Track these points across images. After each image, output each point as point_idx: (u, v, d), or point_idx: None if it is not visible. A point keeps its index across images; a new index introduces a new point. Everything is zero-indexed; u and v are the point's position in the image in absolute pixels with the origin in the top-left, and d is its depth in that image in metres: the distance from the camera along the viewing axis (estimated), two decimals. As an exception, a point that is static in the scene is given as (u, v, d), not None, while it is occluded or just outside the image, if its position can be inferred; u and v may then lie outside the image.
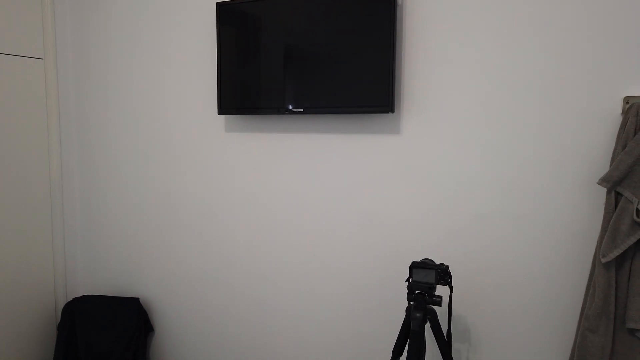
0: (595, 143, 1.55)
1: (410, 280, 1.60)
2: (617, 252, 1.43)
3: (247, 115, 2.11)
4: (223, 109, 2.07)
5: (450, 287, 1.58)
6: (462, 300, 1.79)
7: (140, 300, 2.48)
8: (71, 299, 2.51)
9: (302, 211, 2.05)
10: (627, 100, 1.49)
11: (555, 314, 1.65)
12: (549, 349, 1.67)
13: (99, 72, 2.50)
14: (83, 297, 2.46)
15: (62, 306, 2.53)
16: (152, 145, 2.38)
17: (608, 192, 1.48)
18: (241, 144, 2.15)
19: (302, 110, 1.89)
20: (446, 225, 1.79)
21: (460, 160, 1.74)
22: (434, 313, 1.59)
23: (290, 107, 1.91)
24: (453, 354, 1.83)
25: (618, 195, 1.47)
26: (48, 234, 2.53)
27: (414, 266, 1.58)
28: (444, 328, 1.81)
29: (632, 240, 1.41)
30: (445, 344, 1.61)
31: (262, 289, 2.17)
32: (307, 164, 2.01)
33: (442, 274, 1.56)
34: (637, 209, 1.40)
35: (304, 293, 2.08)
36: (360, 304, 1.97)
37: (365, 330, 1.97)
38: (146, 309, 2.48)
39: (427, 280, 1.57)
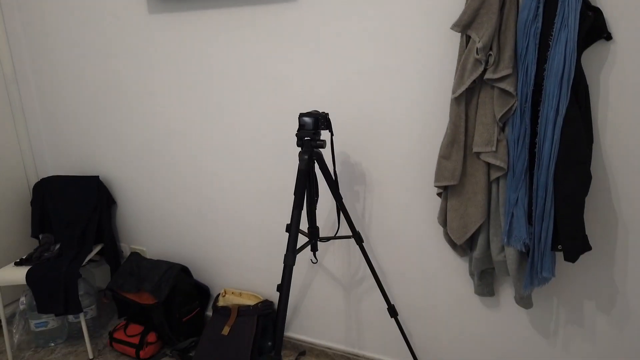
0: (454, -8, 1.71)
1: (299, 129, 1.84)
2: (463, 88, 1.64)
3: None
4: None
5: (331, 132, 1.83)
6: (350, 144, 2.05)
7: (100, 177, 2.80)
8: (39, 180, 2.84)
9: (220, 80, 2.26)
10: (478, -53, 1.61)
11: (427, 149, 1.91)
12: (422, 176, 1.96)
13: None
14: (50, 177, 2.78)
15: (33, 185, 2.87)
16: (87, 33, 2.55)
17: (461, 37, 1.66)
18: (164, 24, 2.31)
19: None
20: (333, 80, 2.00)
21: (344, 21, 1.91)
22: (320, 155, 1.85)
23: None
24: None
25: (469, 38, 1.65)
26: (11, 127, 2.81)
27: (301, 115, 1.82)
28: (332, 169, 2.10)
29: (475, 76, 1.61)
30: (333, 182, 1.89)
31: (199, 156, 2.46)
32: (219, 38, 2.19)
33: (322, 120, 1.80)
34: (477, 48, 1.59)
35: (227, 148, 2.37)
36: (266, 150, 2.25)
37: (269, 170, 2.27)
38: (107, 185, 2.81)
39: (311, 127, 1.81)
